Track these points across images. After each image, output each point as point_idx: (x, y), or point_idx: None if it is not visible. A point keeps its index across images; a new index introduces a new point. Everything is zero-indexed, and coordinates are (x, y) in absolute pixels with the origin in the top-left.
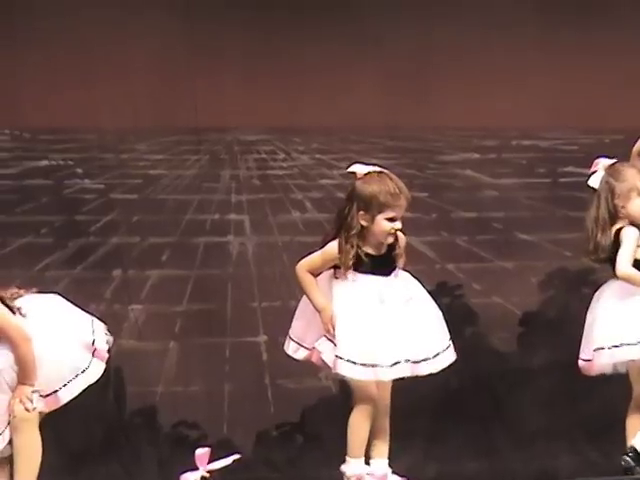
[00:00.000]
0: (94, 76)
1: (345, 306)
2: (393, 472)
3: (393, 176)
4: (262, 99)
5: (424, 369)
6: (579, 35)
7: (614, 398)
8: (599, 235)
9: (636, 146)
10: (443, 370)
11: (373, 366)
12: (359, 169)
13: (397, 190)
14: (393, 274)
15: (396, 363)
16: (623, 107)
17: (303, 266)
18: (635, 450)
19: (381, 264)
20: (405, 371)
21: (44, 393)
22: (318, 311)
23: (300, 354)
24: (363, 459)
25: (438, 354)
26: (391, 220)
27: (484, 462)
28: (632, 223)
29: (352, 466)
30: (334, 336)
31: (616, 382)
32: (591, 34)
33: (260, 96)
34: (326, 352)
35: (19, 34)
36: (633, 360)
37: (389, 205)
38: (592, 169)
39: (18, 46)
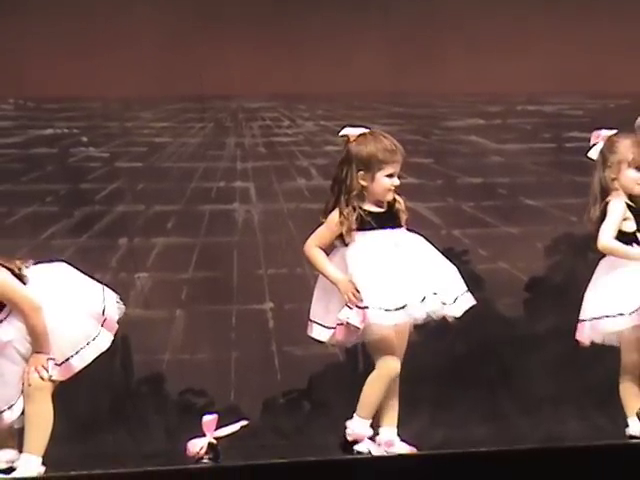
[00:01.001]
0: (99, 44)
1: (361, 261)
2: (401, 439)
3: (385, 134)
4: (267, 66)
5: (449, 311)
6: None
7: (619, 363)
8: (592, 207)
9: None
10: (463, 315)
11: (404, 307)
12: (351, 132)
13: (393, 147)
14: (400, 229)
15: (424, 298)
16: (629, 72)
17: (311, 243)
18: None
19: (385, 220)
20: (435, 304)
21: (58, 362)
22: (335, 284)
23: (324, 335)
24: (370, 421)
25: (457, 298)
26: (390, 176)
27: (491, 427)
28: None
29: (357, 424)
30: (359, 300)
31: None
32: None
33: (265, 63)
34: (352, 316)
35: (22, 3)
36: (615, 332)
37: (387, 162)
38: (592, 141)
39: (22, 15)
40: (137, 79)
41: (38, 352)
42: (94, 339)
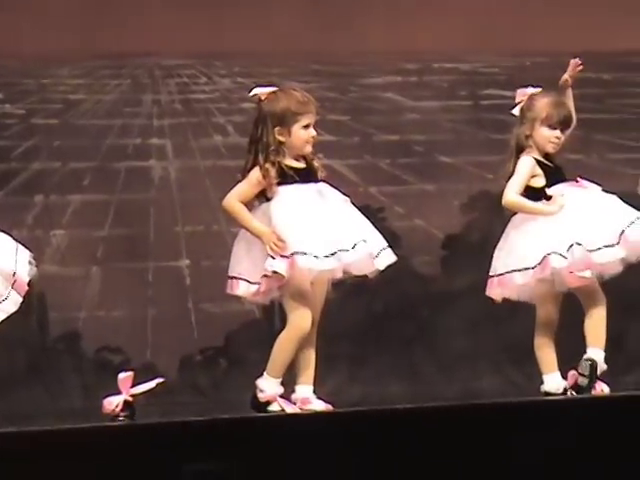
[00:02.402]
0: (14, 0)
1: (285, 212)
2: (317, 397)
3: (295, 88)
4: (184, 23)
5: (375, 263)
6: None
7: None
8: (507, 163)
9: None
10: (385, 270)
11: (334, 254)
12: (261, 90)
13: (305, 98)
14: (321, 182)
15: (355, 245)
16: (545, 29)
17: (232, 198)
18: (591, 365)
19: (306, 175)
20: (364, 252)
21: None
22: (259, 236)
23: (250, 291)
24: (280, 380)
25: (380, 252)
26: (306, 127)
27: (408, 384)
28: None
29: (267, 383)
30: (283, 249)
31: None
32: None
33: (182, 20)
34: (278, 265)
35: None
36: (522, 285)
37: (302, 113)
38: (518, 99)
39: None
40: (53, 36)
41: None
42: (3, 300)
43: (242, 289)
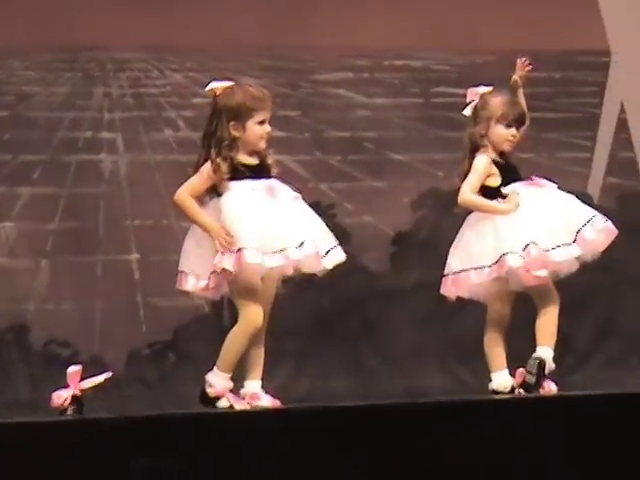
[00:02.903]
0: None
1: (235, 207)
2: (265, 392)
3: (251, 84)
4: (136, 17)
5: (323, 262)
6: None
7: (484, 318)
8: (462, 163)
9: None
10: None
11: (281, 250)
12: (217, 85)
13: (261, 94)
14: (273, 179)
15: (302, 243)
16: (495, 29)
17: (183, 192)
18: (540, 364)
19: (259, 172)
20: (311, 250)
21: None
22: (208, 231)
23: (198, 286)
24: (230, 375)
25: (330, 250)
26: (261, 123)
27: (354, 380)
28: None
29: (217, 378)
30: (232, 244)
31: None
32: None
33: (134, 14)
34: (226, 261)
35: None
36: (477, 284)
37: (257, 109)
38: (469, 98)
39: None
40: (5, 27)
41: None
42: None
43: (191, 284)
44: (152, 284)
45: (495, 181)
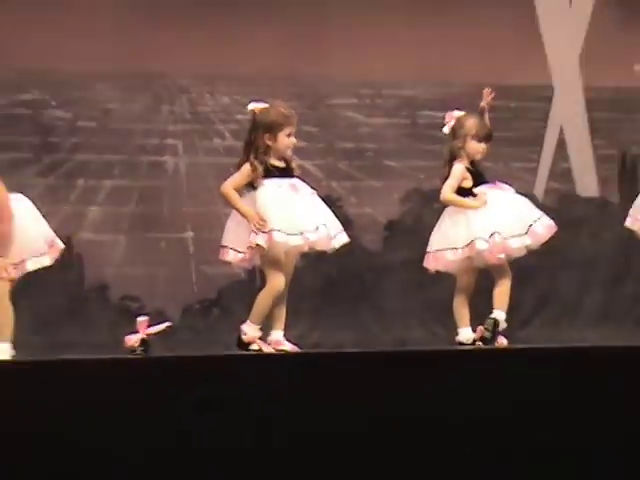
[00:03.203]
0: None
1: (267, 199)
2: (286, 340)
3: (282, 104)
4: (193, 52)
5: (332, 242)
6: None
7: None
8: (443, 169)
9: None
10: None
11: (301, 233)
12: (255, 105)
13: (289, 112)
14: (295, 178)
15: (317, 227)
16: (467, 65)
17: (227, 185)
18: (495, 323)
19: (285, 172)
20: (323, 233)
21: (16, 263)
22: (245, 216)
23: (237, 258)
24: (260, 326)
25: (337, 234)
26: (288, 136)
27: (355, 332)
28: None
29: (249, 328)
30: (264, 227)
31: None
32: (447, 10)
33: (192, 50)
34: (259, 239)
35: None
36: (452, 261)
37: (286, 124)
38: (447, 120)
39: None
40: (93, 56)
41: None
42: (41, 255)
43: (231, 256)
44: (202, 256)
45: (468, 183)
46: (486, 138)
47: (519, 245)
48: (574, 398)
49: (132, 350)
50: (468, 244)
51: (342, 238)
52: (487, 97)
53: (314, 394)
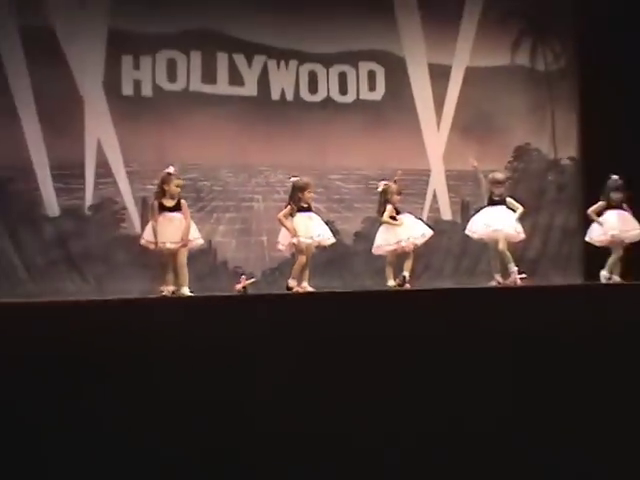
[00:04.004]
0: None
1: (297, 222)
2: (310, 286)
3: (307, 178)
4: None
5: (327, 242)
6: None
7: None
8: (379, 209)
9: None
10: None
11: (312, 237)
12: (294, 179)
13: (310, 181)
14: (311, 212)
15: (319, 234)
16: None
17: (280, 215)
18: (404, 278)
19: (306, 209)
20: (325, 236)
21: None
22: (288, 230)
23: (285, 249)
24: (296, 280)
25: (329, 237)
26: (309, 192)
27: (342, 283)
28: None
29: (292, 281)
30: (296, 235)
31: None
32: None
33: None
34: (294, 239)
35: None
36: (387, 251)
37: (310, 187)
38: (379, 186)
39: None
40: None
41: None
42: (199, 239)
43: (281, 247)
44: (271, 246)
45: (394, 213)
46: (399, 194)
47: (421, 242)
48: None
49: (238, 291)
50: (399, 241)
51: (332, 239)
52: (398, 177)
53: (324, 321)
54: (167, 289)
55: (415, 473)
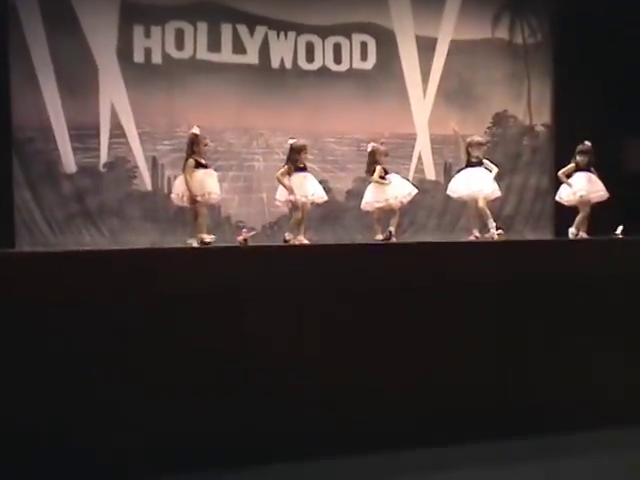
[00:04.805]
0: None
1: (295, 181)
2: (307, 240)
3: (301, 140)
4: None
5: (321, 199)
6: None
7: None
8: (370, 167)
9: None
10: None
11: (307, 196)
12: (292, 141)
13: (306, 143)
14: (308, 172)
15: (313, 193)
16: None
17: (278, 173)
18: (390, 232)
19: (302, 169)
20: (318, 194)
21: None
22: (286, 188)
23: (281, 204)
24: (292, 234)
25: (322, 196)
26: (305, 153)
27: (333, 237)
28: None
29: (288, 234)
30: (293, 192)
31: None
32: None
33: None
34: (291, 197)
35: None
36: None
37: (304, 149)
38: (369, 146)
39: None
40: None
41: None
42: (214, 196)
43: (279, 203)
44: (270, 202)
45: (383, 173)
46: (387, 155)
47: (407, 200)
48: None
49: (240, 242)
50: (387, 199)
51: (325, 197)
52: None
53: (320, 272)
54: (210, 237)
55: (406, 407)
